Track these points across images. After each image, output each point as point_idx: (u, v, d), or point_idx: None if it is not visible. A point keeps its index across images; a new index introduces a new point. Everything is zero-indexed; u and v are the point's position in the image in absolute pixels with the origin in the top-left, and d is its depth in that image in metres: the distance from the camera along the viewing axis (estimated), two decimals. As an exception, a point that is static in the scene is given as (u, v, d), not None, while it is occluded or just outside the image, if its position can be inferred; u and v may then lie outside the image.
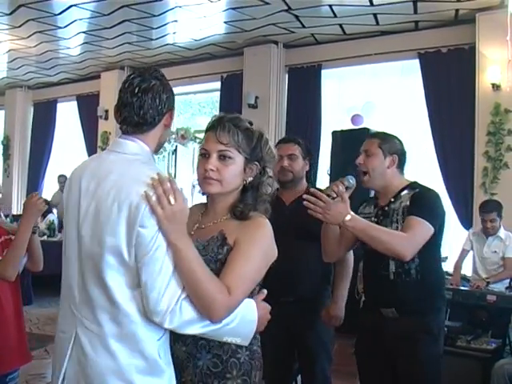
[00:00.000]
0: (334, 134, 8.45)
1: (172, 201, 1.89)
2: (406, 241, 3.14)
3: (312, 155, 4.18)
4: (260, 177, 2.27)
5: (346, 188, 3.30)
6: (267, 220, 2.20)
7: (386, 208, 3.38)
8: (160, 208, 1.89)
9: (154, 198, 1.89)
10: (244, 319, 2.07)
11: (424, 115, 8.56)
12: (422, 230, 3.20)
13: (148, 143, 2.17)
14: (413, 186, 3.39)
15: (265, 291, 2.21)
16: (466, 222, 7.86)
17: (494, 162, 7.76)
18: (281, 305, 3.80)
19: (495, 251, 6.62)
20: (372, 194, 3.89)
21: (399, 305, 3.27)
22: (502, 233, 6.64)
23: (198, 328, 1.96)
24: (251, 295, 2.14)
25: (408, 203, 3.27)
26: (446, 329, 3.63)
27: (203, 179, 2.21)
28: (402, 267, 3.25)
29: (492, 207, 6.65)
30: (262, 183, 2.27)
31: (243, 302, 2.06)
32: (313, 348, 3.95)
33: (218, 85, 10.65)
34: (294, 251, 3.65)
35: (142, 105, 2.12)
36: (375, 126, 8.24)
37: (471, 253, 6.90)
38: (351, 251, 3.89)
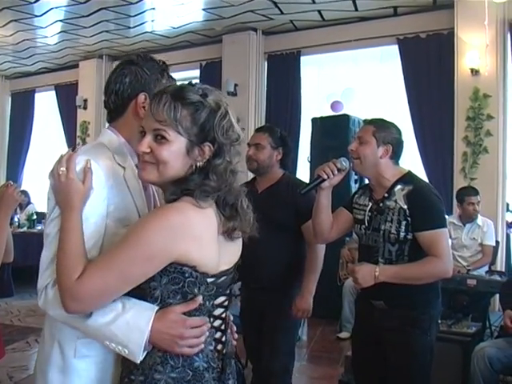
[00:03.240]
0: (314, 120, 8.46)
1: (61, 170, 1.82)
2: (439, 262, 3.13)
3: (287, 144, 4.12)
4: (212, 160, 1.82)
5: (339, 170, 3.30)
6: (181, 208, 1.75)
7: (381, 204, 3.31)
8: (52, 177, 1.87)
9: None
10: (128, 324, 1.73)
11: (403, 101, 8.58)
12: (444, 239, 3.19)
13: (119, 131, 2.11)
14: (405, 179, 3.31)
15: (197, 300, 1.77)
16: (447, 207, 7.87)
17: (474, 147, 7.80)
18: (251, 291, 3.78)
19: (474, 238, 6.67)
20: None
21: (388, 298, 3.24)
22: (479, 219, 6.70)
23: (61, 314, 1.74)
24: (183, 300, 1.78)
25: (405, 206, 3.19)
26: (439, 321, 3.60)
27: (139, 163, 1.86)
28: (390, 261, 3.23)
29: (476, 191, 6.74)
30: (212, 168, 1.80)
31: (136, 303, 1.76)
32: (272, 335, 3.94)
33: (196, 73, 10.61)
34: (263, 240, 3.60)
35: (107, 90, 2.10)
36: (355, 113, 8.27)
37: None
38: (323, 247, 3.90)
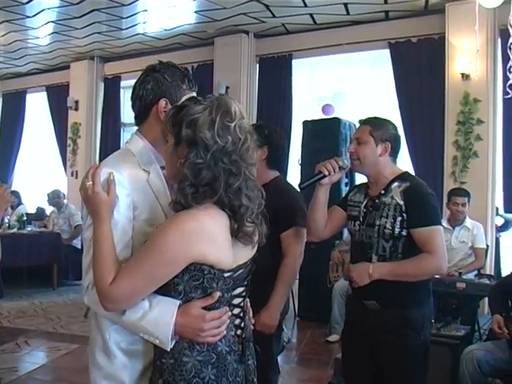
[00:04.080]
0: (305, 123, 8.48)
1: (88, 185, 2.02)
2: (434, 259, 3.14)
3: (273, 141, 3.80)
4: (185, 159, 1.92)
5: (340, 168, 3.31)
6: (194, 215, 1.90)
7: (377, 200, 3.31)
8: (82, 191, 2.06)
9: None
10: (156, 319, 1.96)
11: (394, 105, 8.61)
12: (438, 235, 3.20)
13: (145, 136, 2.29)
14: (403, 177, 3.33)
15: (214, 296, 1.96)
16: (437, 210, 7.91)
17: (464, 151, 7.85)
18: None
19: (463, 241, 6.69)
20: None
21: (380, 297, 3.24)
22: (468, 222, 6.72)
23: (101, 310, 2.01)
24: (203, 294, 1.96)
25: (401, 202, 3.19)
26: (432, 320, 3.61)
27: None
28: (384, 258, 3.24)
29: (465, 192, 6.77)
30: (186, 167, 1.91)
31: (161, 300, 1.97)
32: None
33: (189, 75, 10.60)
34: None
35: (132, 97, 2.29)
36: (346, 116, 8.31)
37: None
38: (295, 258, 3.69)
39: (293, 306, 8.35)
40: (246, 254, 2.09)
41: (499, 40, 7.73)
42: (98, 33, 9.99)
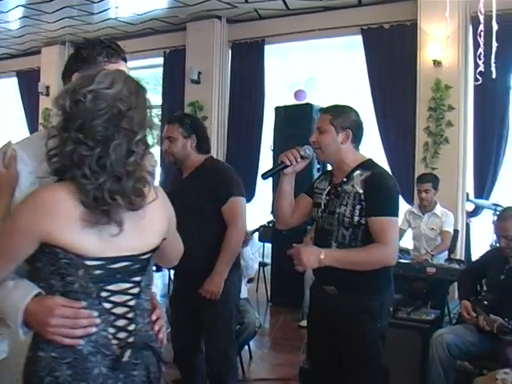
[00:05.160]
0: (277, 109, 8.49)
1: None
2: (384, 249, 3.15)
3: (199, 128, 4.11)
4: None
5: (302, 157, 3.34)
6: (50, 187, 1.80)
7: (339, 188, 3.33)
8: None
9: None
10: (13, 302, 1.81)
11: (366, 91, 8.62)
12: (393, 227, 3.22)
13: None
14: (365, 165, 3.33)
15: (81, 304, 1.79)
16: (408, 196, 7.96)
17: (435, 137, 7.89)
18: (177, 279, 3.76)
19: (433, 228, 6.74)
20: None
21: (339, 283, 3.26)
22: (438, 210, 6.76)
23: None
24: (62, 282, 1.79)
25: (361, 190, 3.20)
26: (391, 309, 3.63)
27: None
28: (344, 245, 3.25)
29: (427, 178, 6.80)
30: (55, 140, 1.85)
31: (27, 284, 1.83)
32: (209, 322, 3.97)
33: (160, 60, 10.57)
34: (185, 225, 3.60)
35: None
36: (318, 102, 8.32)
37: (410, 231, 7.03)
38: (237, 229, 3.92)
39: (265, 292, 8.40)
40: (131, 244, 1.89)
41: (470, 27, 7.76)
42: (69, 17, 9.84)
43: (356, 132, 3.37)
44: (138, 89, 1.91)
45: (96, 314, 1.81)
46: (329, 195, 3.39)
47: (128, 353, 1.86)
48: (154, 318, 2.02)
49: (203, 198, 3.88)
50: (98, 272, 1.80)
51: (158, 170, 2.10)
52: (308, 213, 3.58)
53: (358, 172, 3.29)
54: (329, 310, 3.33)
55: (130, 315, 1.89)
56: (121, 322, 1.87)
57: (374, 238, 3.16)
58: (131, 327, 1.89)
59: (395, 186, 3.34)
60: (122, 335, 1.87)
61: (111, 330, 1.84)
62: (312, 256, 3.10)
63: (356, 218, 3.20)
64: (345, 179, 3.32)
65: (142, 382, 1.91)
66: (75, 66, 2.17)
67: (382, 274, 3.27)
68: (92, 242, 1.78)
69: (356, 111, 3.44)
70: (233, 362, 4.15)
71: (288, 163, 3.33)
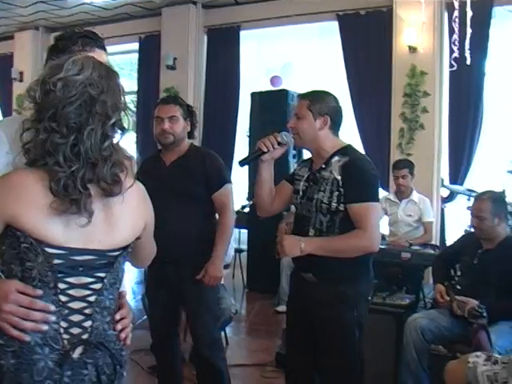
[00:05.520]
0: (253, 95, 8.49)
1: None
2: (365, 236, 3.14)
3: (194, 114, 4.13)
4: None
5: (279, 143, 3.32)
6: (21, 171, 1.79)
7: (317, 174, 3.31)
8: None
9: None
10: None
11: (343, 76, 8.61)
12: (373, 213, 3.19)
13: None
14: (344, 151, 3.30)
15: (37, 292, 1.75)
16: (383, 182, 7.98)
17: (410, 123, 7.92)
18: (163, 265, 3.79)
19: (410, 214, 6.75)
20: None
21: (317, 271, 3.26)
22: (414, 196, 6.77)
23: None
24: (21, 267, 1.76)
25: (338, 176, 3.18)
26: (369, 297, 3.63)
27: None
28: (321, 232, 3.24)
29: (404, 164, 6.81)
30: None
31: None
32: (195, 309, 3.98)
33: (136, 46, 10.48)
34: (174, 212, 3.69)
35: None
36: (294, 88, 8.31)
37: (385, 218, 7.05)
38: (231, 214, 3.97)
39: (241, 278, 8.42)
40: (99, 238, 1.83)
41: (446, 13, 7.77)
42: (43, 2, 9.71)
43: (334, 118, 3.34)
44: (108, 72, 1.88)
45: (53, 307, 1.77)
46: (308, 181, 3.37)
47: (79, 350, 1.81)
48: (117, 317, 1.95)
49: (194, 184, 3.87)
50: (58, 261, 1.76)
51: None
52: (289, 200, 3.57)
53: (336, 158, 3.26)
54: (306, 297, 3.34)
55: (87, 311, 1.84)
56: (76, 317, 1.82)
57: (355, 224, 3.15)
58: (87, 324, 1.84)
59: (374, 171, 3.34)
60: (75, 331, 1.81)
61: (63, 324, 1.79)
62: (293, 245, 3.13)
63: (334, 205, 3.18)
64: (323, 165, 3.30)
65: (92, 382, 1.83)
66: (51, 58, 2.14)
67: (359, 262, 3.25)
68: (56, 230, 1.75)
69: (335, 97, 3.42)
70: (220, 344, 4.17)
71: (265, 150, 3.31)
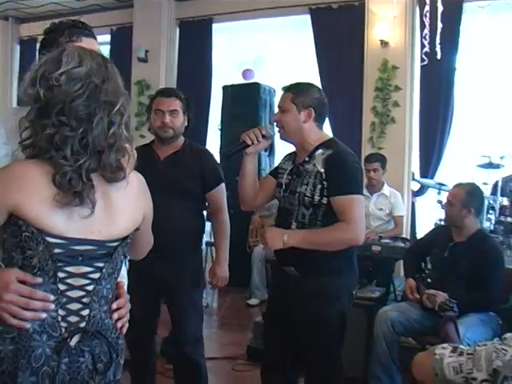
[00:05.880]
0: (225, 88, 8.49)
1: None
2: (349, 228, 3.12)
3: (192, 109, 4.03)
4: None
5: (264, 136, 3.34)
6: (23, 162, 1.81)
7: (301, 167, 3.30)
8: None
9: None
10: None
11: (315, 70, 8.60)
12: (357, 205, 3.16)
13: None
14: (327, 144, 3.29)
15: (36, 279, 1.77)
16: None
17: (382, 117, 7.96)
18: (151, 259, 3.77)
19: (381, 208, 6.78)
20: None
21: (298, 264, 3.25)
22: (386, 190, 6.80)
23: None
24: (22, 255, 1.79)
25: (322, 169, 3.17)
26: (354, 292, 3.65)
27: None
28: (303, 225, 3.24)
29: (376, 157, 6.84)
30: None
31: None
32: (181, 306, 3.93)
33: (107, 38, 10.36)
34: (167, 207, 3.61)
35: None
36: (265, 81, 8.31)
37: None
38: (227, 213, 3.97)
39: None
40: (99, 228, 1.86)
41: (417, 8, 7.81)
42: (12, -9, 9.62)
43: (319, 110, 3.33)
44: (104, 60, 1.91)
45: (52, 297, 1.79)
46: (291, 175, 3.37)
47: (76, 338, 1.84)
48: (114, 306, 1.98)
49: (189, 180, 3.84)
50: (58, 251, 1.79)
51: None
52: (272, 194, 3.56)
53: (319, 151, 3.26)
54: (288, 290, 3.33)
55: (85, 300, 1.87)
56: (74, 306, 1.85)
57: (338, 217, 3.14)
58: (85, 312, 1.87)
59: (357, 164, 3.34)
60: (73, 319, 1.84)
61: (61, 312, 1.82)
62: (276, 237, 3.14)
63: (317, 198, 3.17)
64: (307, 158, 3.29)
65: (89, 370, 1.86)
66: (42, 53, 2.10)
67: (341, 256, 3.24)
68: (59, 221, 1.77)
69: (319, 88, 3.43)
70: (202, 341, 4.11)
71: (249, 142, 3.33)
